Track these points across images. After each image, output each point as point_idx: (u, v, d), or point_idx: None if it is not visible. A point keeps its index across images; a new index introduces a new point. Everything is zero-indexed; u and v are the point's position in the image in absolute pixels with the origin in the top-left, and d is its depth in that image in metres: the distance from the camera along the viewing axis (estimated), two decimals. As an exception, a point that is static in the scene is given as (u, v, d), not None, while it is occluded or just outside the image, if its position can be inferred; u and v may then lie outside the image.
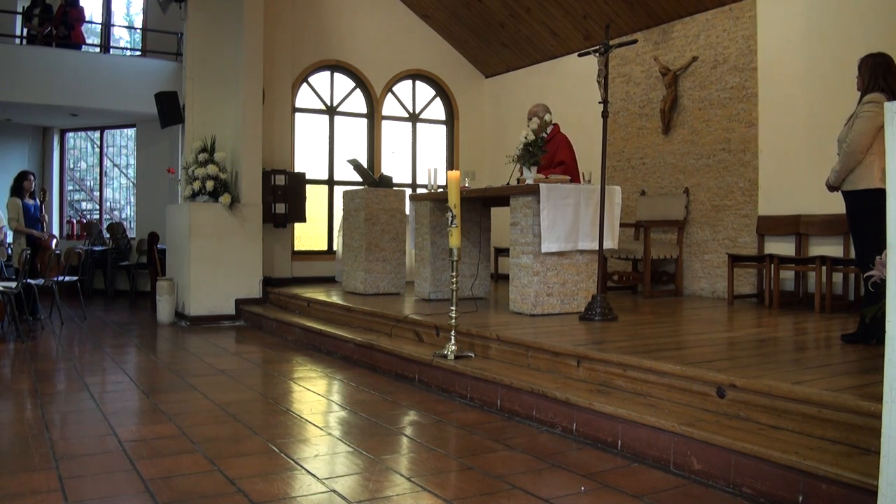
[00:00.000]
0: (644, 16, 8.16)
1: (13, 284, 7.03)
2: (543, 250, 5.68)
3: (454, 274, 4.85)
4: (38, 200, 8.64)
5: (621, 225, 6.55)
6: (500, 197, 6.31)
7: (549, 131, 6.50)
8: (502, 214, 7.04)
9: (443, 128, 11.05)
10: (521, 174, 6.24)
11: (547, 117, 6.27)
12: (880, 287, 2.12)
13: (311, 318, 7.24)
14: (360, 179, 8.47)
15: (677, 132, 8.03)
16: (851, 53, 5.41)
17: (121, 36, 13.16)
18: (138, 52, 11.96)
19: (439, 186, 7.37)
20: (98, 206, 12.78)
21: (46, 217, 9.06)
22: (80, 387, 4.91)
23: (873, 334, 4.20)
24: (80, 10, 11.01)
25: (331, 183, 10.20)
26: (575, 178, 6.33)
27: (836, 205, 5.24)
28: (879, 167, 4.12)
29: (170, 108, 9.03)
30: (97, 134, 12.68)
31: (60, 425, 3.95)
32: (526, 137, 5.86)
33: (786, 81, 6.95)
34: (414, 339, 5.67)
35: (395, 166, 10.59)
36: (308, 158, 10.00)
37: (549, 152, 6.46)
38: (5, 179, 10.10)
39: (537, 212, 5.68)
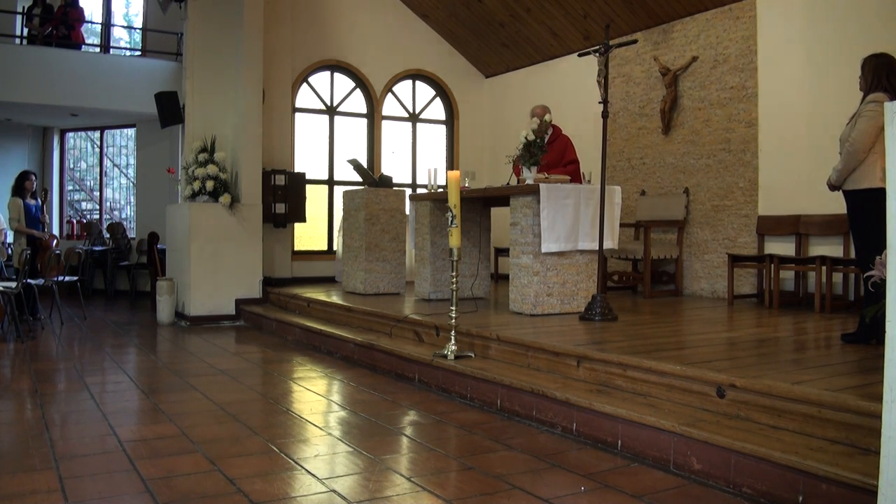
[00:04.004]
0: (644, 16, 8.16)
1: (13, 284, 7.03)
2: (543, 250, 5.68)
3: (454, 274, 4.85)
4: (38, 200, 8.64)
5: (621, 225, 6.56)
6: (500, 197, 6.31)
7: (550, 132, 6.51)
8: (502, 214, 7.04)
9: (443, 128, 11.05)
10: (521, 174, 6.24)
11: (547, 117, 6.28)
12: (880, 287, 2.12)
13: (311, 318, 7.24)
14: (360, 179, 8.47)
15: (677, 132, 8.03)
16: (851, 53, 5.42)
17: (121, 36, 13.15)
18: (138, 52, 11.96)
19: (439, 186, 7.37)
20: (98, 206, 12.78)
21: (47, 217, 9.06)
22: (80, 387, 4.91)
23: (873, 334, 4.21)
24: (80, 11, 11.01)
25: (331, 183, 10.20)
26: (578, 178, 6.34)
27: (836, 205, 5.25)
28: (881, 167, 4.12)
29: (170, 108, 9.03)
30: (97, 134, 12.67)
31: (60, 425, 3.95)
32: (526, 137, 5.86)
33: (786, 81, 6.95)
34: (414, 339, 5.67)
35: (395, 166, 10.59)
36: (308, 158, 10.00)
37: (556, 152, 6.48)
38: (5, 179, 10.10)
39: (537, 212, 5.68)
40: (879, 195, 4.04)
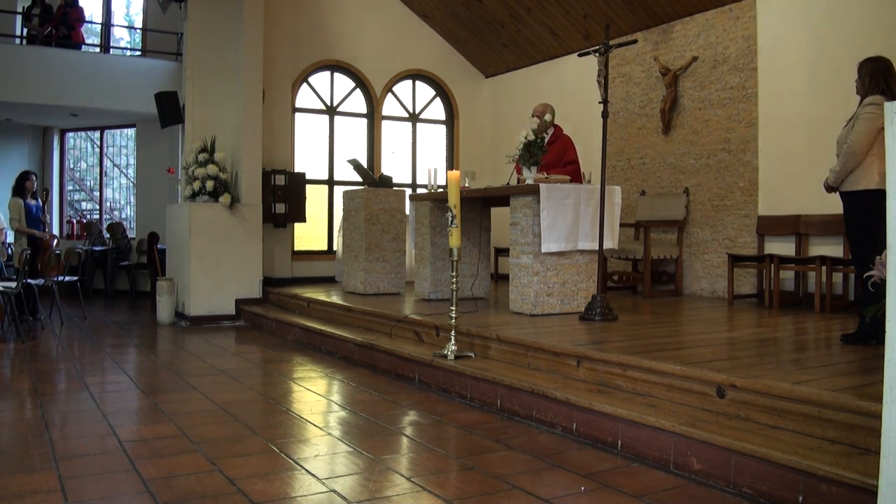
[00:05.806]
0: (644, 16, 8.16)
1: (13, 284, 7.03)
2: (543, 250, 5.68)
3: (454, 274, 4.85)
4: (39, 201, 8.64)
5: (621, 225, 6.56)
6: (500, 197, 6.31)
7: (551, 132, 6.51)
8: (502, 214, 7.04)
9: (443, 128, 11.05)
10: (520, 174, 6.24)
11: (547, 117, 6.28)
12: (880, 287, 2.12)
13: (311, 318, 7.24)
14: (360, 179, 8.47)
15: (677, 132, 8.03)
16: (851, 53, 5.42)
17: (121, 36, 13.16)
18: (138, 52, 11.96)
19: (439, 186, 7.37)
20: (98, 206, 12.78)
21: (47, 217, 9.06)
22: (80, 387, 4.91)
23: (873, 334, 4.21)
24: (80, 11, 11.01)
25: (331, 183, 10.20)
26: (578, 179, 6.34)
27: (835, 205, 5.24)
28: (878, 169, 4.14)
29: (170, 108, 9.03)
30: (97, 134, 12.68)
31: (60, 425, 3.95)
32: (526, 137, 5.85)
33: (786, 81, 6.95)
34: (414, 339, 5.67)
35: (395, 166, 10.59)
36: (308, 158, 10.00)
37: (556, 152, 6.48)
38: (6, 179, 10.11)
39: (537, 212, 5.68)
40: (876, 197, 4.07)
